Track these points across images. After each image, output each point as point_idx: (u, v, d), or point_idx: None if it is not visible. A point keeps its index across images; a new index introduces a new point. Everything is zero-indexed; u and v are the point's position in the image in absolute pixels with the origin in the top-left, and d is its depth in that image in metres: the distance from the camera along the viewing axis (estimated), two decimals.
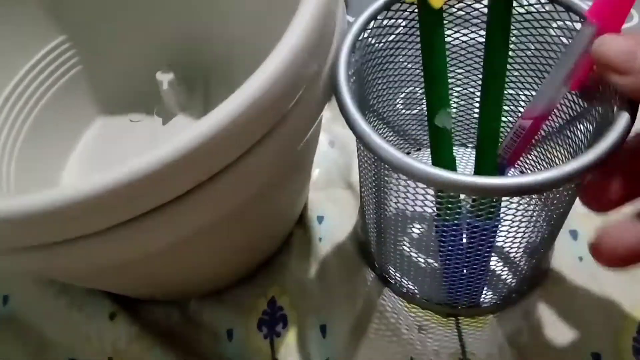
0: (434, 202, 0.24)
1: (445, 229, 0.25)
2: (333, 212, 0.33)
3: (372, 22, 0.24)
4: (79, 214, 0.18)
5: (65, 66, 0.34)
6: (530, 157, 0.30)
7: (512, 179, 0.19)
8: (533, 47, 0.26)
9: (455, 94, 0.31)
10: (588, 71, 0.22)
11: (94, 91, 0.35)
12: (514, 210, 0.23)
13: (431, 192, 0.23)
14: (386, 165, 0.20)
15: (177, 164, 0.17)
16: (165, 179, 0.18)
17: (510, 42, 0.26)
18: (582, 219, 0.30)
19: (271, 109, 0.19)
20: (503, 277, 0.28)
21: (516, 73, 0.28)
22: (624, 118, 0.19)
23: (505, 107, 0.30)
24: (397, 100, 0.31)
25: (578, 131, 0.25)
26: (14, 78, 0.32)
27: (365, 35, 0.24)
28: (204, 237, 0.23)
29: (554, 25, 0.24)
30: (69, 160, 0.35)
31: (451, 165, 0.25)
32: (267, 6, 0.30)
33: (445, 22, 0.27)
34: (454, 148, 0.32)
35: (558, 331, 0.27)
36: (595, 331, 0.27)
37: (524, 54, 0.27)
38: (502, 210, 0.25)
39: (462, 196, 0.24)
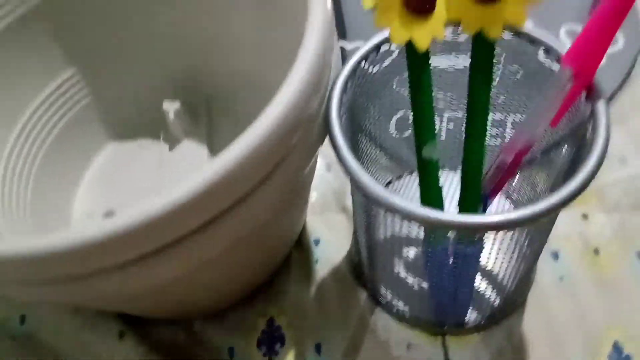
0: (423, 230, 0.26)
1: (432, 253, 0.27)
2: (329, 235, 0.34)
3: (364, 62, 0.26)
4: (98, 252, 0.19)
5: (76, 97, 0.36)
6: (514, 181, 0.32)
7: (492, 217, 0.20)
8: (521, 72, 0.27)
9: (446, 117, 0.33)
10: (565, 109, 0.23)
11: (104, 119, 0.37)
12: (498, 236, 0.25)
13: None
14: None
15: (188, 204, 0.19)
16: (178, 218, 0.19)
17: (497, 68, 0.28)
18: (562, 241, 0.32)
19: (274, 150, 0.21)
20: (487, 297, 0.30)
21: (503, 98, 0.29)
22: (596, 151, 0.21)
23: (493, 130, 0.31)
24: (390, 125, 0.33)
25: (557, 157, 0.27)
26: (29, 109, 0.34)
27: (359, 75, 0.26)
28: (209, 266, 0.25)
29: (540, 51, 0.25)
30: (80, 185, 0.37)
31: (438, 199, 0.26)
32: (265, 41, 0.32)
33: (438, 49, 0.28)
34: (445, 172, 0.34)
35: (539, 350, 0.29)
36: (574, 350, 0.29)
37: (511, 79, 0.28)
38: (486, 235, 0.26)
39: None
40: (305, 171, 0.25)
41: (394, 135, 0.34)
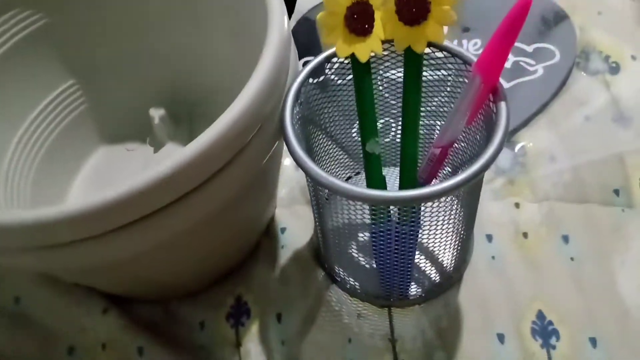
0: (369, 213, 0.30)
1: (378, 235, 0.31)
2: (294, 224, 0.39)
3: (311, 79, 0.30)
4: (84, 222, 0.23)
5: (73, 105, 0.40)
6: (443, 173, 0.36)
7: (422, 189, 0.24)
8: (449, 84, 0.32)
9: (394, 123, 0.38)
10: (477, 109, 0.28)
11: (96, 125, 0.42)
12: (430, 215, 0.29)
13: (366, 208, 0.29)
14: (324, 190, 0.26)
15: (162, 182, 0.23)
16: (154, 193, 0.23)
17: (429, 80, 0.32)
18: (496, 226, 0.36)
19: (233, 142, 0.25)
20: (427, 273, 0.34)
21: (433, 106, 0.34)
22: (497, 137, 0.25)
23: (425, 133, 0.36)
24: (352, 129, 0.37)
25: (472, 149, 0.31)
26: (31, 116, 0.38)
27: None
28: (182, 242, 0.29)
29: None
30: (74, 183, 0.41)
31: (381, 184, 0.31)
32: (237, 56, 0.37)
33: (390, 63, 0.33)
34: (391, 169, 0.38)
35: (471, 317, 0.33)
36: (502, 317, 0.33)
37: (441, 91, 0.32)
38: (422, 217, 0.30)
39: (390, 207, 0.30)
40: (263, 162, 0.29)
41: (355, 137, 0.38)
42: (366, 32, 0.27)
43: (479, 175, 0.25)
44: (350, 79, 0.33)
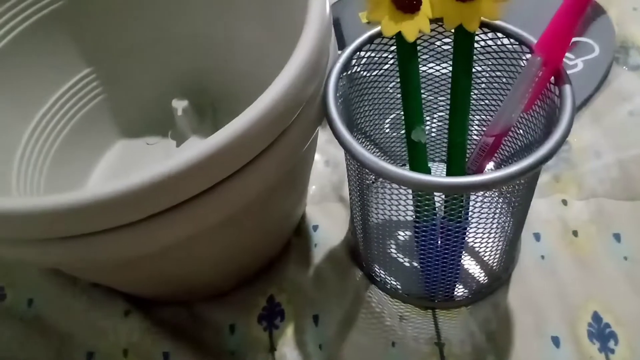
0: (413, 208, 0.28)
1: (422, 230, 0.29)
2: (327, 222, 0.37)
3: (359, 53, 0.29)
4: (108, 209, 0.21)
5: (90, 95, 0.38)
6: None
7: (473, 177, 0.23)
8: (505, 77, 0.30)
9: (436, 118, 0.36)
10: (537, 94, 0.26)
11: (115, 117, 0.40)
12: (479, 211, 0.27)
13: (410, 198, 0.27)
14: (368, 172, 0.24)
15: (193, 169, 0.21)
16: (182, 181, 0.21)
17: (482, 73, 0.31)
18: (544, 224, 0.35)
19: (273, 124, 0.23)
20: (474, 273, 0.32)
21: (488, 100, 0.32)
22: (564, 123, 0.24)
23: (478, 129, 0.34)
24: (385, 123, 0.36)
25: (534, 146, 0.29)
26: (46, 104, 0.36)
27: (356, 65, 0.28)
28: (212, 236, 0.27)
29: (524, 57, 0.28)
30: (90, 179, 0.39)
31: (425, 173, 0.29)
32: (268, 43, 0.35)
33: (429, 56, 0.31)
34: (435, 164, 0.37)
35: (523, 320, 0.31)
36: (555, 319, 0.31)
37: (495, 84, 0.31)
38: (470, 213, 0.29)
39: (436, 201, 0.28)
40: (303, 150, 0.28)
41: (387, 132, 0.36)
42: (414, 8, 0.25)
43: (541, 165, 0.23)
44: (378, 72, 0.31)
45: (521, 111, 0.27)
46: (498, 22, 0.28)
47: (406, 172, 0.23)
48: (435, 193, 0.28)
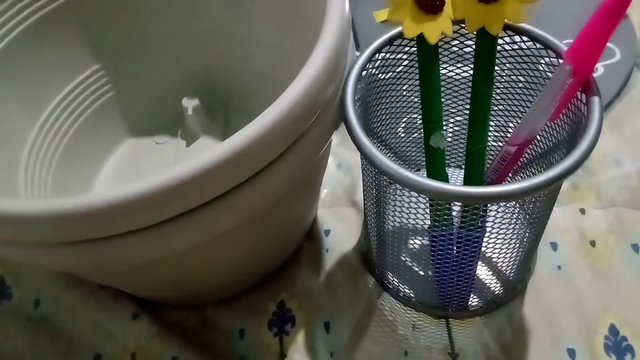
0: (429, 215, 0.28)
1: (438, 239, 0.29)
2: (339, 226, 0.36)
3: (377, 55, 0.28)
4: (120, 214, 0.21)
5: (99, 92, 0.38)
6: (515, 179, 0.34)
7: (492, 187, 0.22)
8: (523, 80, 0.29)
9: (452, 122, 0.35)
10: (565, 104, 0.25)
11: (124, 115, 0.39)
12: (498, 221, 0.27)
13: (426, 205, 0.27)
14: (385, 179, 0.23)
15: (208, 173, 0.20)
16: (196, 186, 0.21)
17: (500, 76, 0.30)
18: (561, 233, 0.34)
19: (291, 128, 0.22)
20: (489, 283, 0.31)
21: (505, 104, 0.31)
22: (590, 135, 0.23)
23: (495, 134, 0.33)
24: (399, 127, 0.35)
25: (554, 153, 0.28)
26: (54, 101, 0.35)
27: (371, 67, 0.28)
28: (224, 241, 0.26)
29: (542, 61, 0.27)
30: (98, 178, 0.38)
31: (443, 180, 0.28)
32: (282, 42, 0.34)
33: (447, 58, 0.30)
34: (450, 169, 0.36)
35: (538, 331, 0.30)
36: (571, 331, 0.30)
37: (512, 87, 0.30)
38: (487, 222, 0.28)
39: (453, 209, 0.28)
40: (319, 154, 0.27)
41: (401, 135, 0.35)
42: (437, 9, 0.24)
43: (566, 177, 0.22)
44: (398, 73, 0.30)
45: (547, 121, 0.26)
46: (522, 25, 0.27)
47: (426, 181, 0.23)
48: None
